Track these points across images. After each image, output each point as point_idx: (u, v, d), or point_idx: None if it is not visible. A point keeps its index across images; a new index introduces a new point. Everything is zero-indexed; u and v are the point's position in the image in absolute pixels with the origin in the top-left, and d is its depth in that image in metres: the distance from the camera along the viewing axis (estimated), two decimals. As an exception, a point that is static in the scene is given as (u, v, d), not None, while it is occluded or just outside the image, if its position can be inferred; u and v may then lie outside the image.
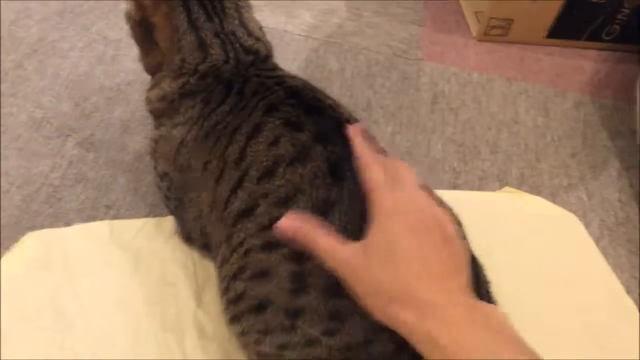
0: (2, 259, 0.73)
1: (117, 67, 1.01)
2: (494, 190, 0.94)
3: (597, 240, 0.88)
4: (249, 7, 0.74)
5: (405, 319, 0.45)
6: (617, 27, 1.22)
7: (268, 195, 0.57)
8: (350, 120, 0.62)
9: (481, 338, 0.43)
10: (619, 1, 1.16)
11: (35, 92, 0.95)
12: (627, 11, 1.18)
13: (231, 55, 0.68)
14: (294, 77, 0.69)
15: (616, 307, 0.80)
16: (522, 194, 0.92)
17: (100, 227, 0.79)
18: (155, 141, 0.73)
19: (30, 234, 0.76)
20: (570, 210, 0.90)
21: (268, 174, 0.58)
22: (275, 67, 0.73)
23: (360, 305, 0.49)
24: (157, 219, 0.81)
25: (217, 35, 0.68)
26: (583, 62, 1.21)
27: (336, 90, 1.06)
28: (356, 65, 1.13)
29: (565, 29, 1.21)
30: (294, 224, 0.52)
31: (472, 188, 0.94)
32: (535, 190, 0.95)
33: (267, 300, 0.55)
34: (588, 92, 1.14)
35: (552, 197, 0.93)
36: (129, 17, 0.72)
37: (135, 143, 0.90)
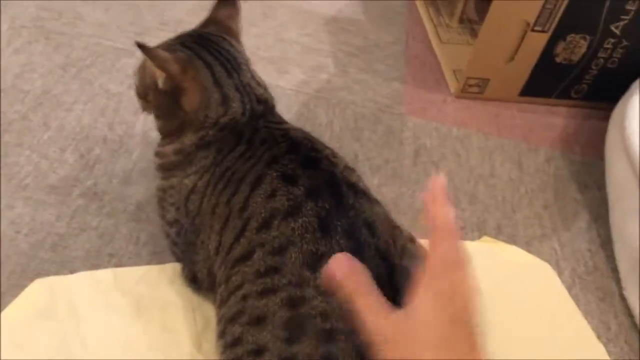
0: (9, 306, 0.77)
1: (119, 120, 1.07)
2: (473, 239, 1.00)
3: (569, 288, 0.94)
4: (250, 62, 0.81)
5: None
6: (585, 86, 1.31)
7: (264, 245, 0.62)
8: (345, 171, 0.68)
9: None
10: (586, 63, 1.26)
11: (41, 143, 1.00)
12: (594, 71, 1.28)
13: (247, 107, 0.74)
14: (296, 129, 0.75)
15: (587, 351, 0.85)
16: (500, 243, 0.98)
17: (104, 275, 0.83)
18: (164, 190, 0.78)
19: (37, 281, 0.80)
20: (544, 259, 0.97)
21: (265, 225, 0.63)
22: (281, 119, 0.79)
23: None
24: (158, 266, 0.85)
25: (237, 89, 0.74)
26: (554, 119, 1.30)
27: (326, 143, 1.12)
28: (344, 119, 1.20)
29: (537, 87, 1.30)
30: (343, 268, 0.51)
31: (452, 237, 1.00)
32: (512, 239, 1.01)
33: (263, 346, 0.58)
34: (558, 148, 1.22)
35: (527, 247, 1.00)
36: (146, 89, 0.77)
37: (137, 193, 0.95)
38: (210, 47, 0.75)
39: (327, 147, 0.72)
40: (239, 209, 0.66)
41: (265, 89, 0.79)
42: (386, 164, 1.11)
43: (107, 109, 1.08)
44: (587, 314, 0.90)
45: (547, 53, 1.23)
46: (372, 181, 1.07)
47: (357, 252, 0.59)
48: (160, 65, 0.71)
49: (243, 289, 0.62)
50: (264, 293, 0.60)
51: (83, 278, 0.83)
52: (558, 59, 1.25)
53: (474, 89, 1.29)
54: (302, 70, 1.30)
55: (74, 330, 0.76)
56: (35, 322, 0.76)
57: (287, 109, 1.18)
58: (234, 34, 0.81)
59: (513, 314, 0.86)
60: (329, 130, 1.16)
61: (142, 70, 0.78)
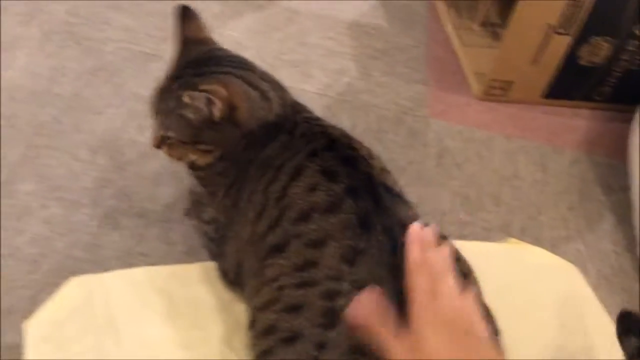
0: (46, 304, 0.79)
1: (149, 123, 1.08)
2: (498, 240, 1.01)
3: (595, 289, 0.94)
4: None
5: None
6: (608, 88, 1.31)
7: (301, 236, 0.63)
8: (382, 173, 0.68)
9: None
10: (609, 65, 1.26)
11: (73, 145, 1.03)
12: (617, 74, 1.28)
13: (280, 94, 0.75)
14: (334, 127, 0.75)
15: (614, 352, 0.85)
16: (525, 245, 0.98)
17: (138, 273, 0.84)
18: (201, 195, 0.80)
19: (73, 279, 0.82)
20: (569, 260, 0.97)
21: (304, 217, 0.64)
22: (319, 117, 0.79)
23: None
24: (189, 265, 0.86)
25: (264, 80, 0.74)
26: (577, 121, 1.30)
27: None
28: (367, 121, 1.21)
29: (560, 90, 1.31)
30: (364, 312, 0.55)
31: (477, 239, 1.01)
32: (537, 241, 1.01)
33: (299, 332, 0.59)
34: (582, 150, 1.22)
35: (552, 248, 1.00)
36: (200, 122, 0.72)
37: (166, 194, 0.97)
38: (218, 61, 0.76)
39: (363, 147, 0.73)
40: (276, 198, 0.67)
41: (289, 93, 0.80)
42: (410, 166, 1.12)
43: (136, 112, 1.11)
44: (612, 315, 0.89)
45: (571, 56, 1.23)
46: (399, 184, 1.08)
47: (394, 250, 0.60)
48: (216, 95, 0.69)
49: (279, 280, 0.63)
50: (301, 285, 0.61)
51: (117, 276, 0.84)
52: (581, 62, 1.25)
53: (498, 91, 1.30)
54: (325, 74, 1.31)
55: (109, 328, 0.78)
56: (71, 319, 0.78)
57: (312, 112, 1.19)
58: (212, 42, 0.81)
59: (539, 315, 0.86)
60: (352, 132, 1.15)
61: (178, 118, 0.74)
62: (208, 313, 0.82)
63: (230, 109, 0.71)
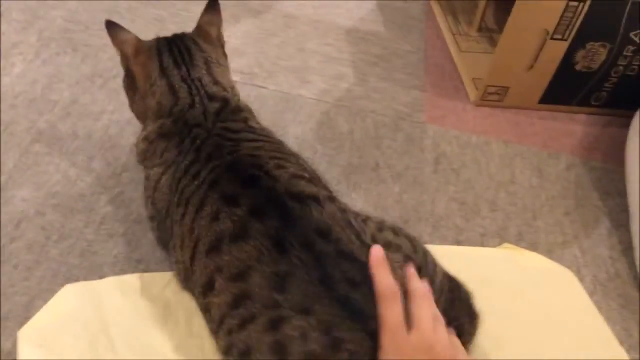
0: (40, 311, 0.79)
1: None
2: (494, 246, 1.01)
3: (591, 295, 0.94)
4: (222, 66, 0.84)
5: None
6: (604, 93, 1.31)
7: (222, 270, 0.62)
8: (290, 181, 0.67)
9: None
10: (605, 70, 1.26)
11: (69, 152, 1.03)
12: (614, 79, 1.28)
13: (197, 99, 0.77)
14: (251, 140, 0.75)
15: (610, 358, 0.85)
16: (521, 250, 0.99)
17: (132, 280, 0.85)
18: (144, 185, 0.83)
19: (68, 286, 0.82)
20: (566, 265, 0.97)
21: (214, 248, 0.64)
22: (245, 124, 0.79)
23: None
24: (184, 272, 0.87)
25: (183, 80, 0.78)
26: (574, 126, 1.30)
27: (346, 151, 1.14)
28: (364, 127, 1.21)
29: (557, 95, 1.31)
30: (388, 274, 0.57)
31: (473, 244, 1.01)
32: (533, 246, 1.02)
33: None
34: (579, 155, 1.22)
35: (549, 253, 1.00)
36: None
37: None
38: (173, 45, 0.81)
39: (274, 158, 0.71)
40: (188, 230, 0.68)
41: (224, 89, 0.81)
42: (406, 172, 1.12)
43: (133, 118, 1.10)
44: (608, 320, 0.90)
45: (567, 61, 1.24)
46: (393, 189, 1.08)
47: (318, 262, 0.59)
48: (118, 44, 0.80)
49: (225, 323, 0.62)
50: (243, 324, 0.60)
51: (111, 283, 0.85)
52: (577, 67, 1.25)
53: (494, 96, 1.30)
54: (322, 80, 1.31)
55: (103, 334, 0.78)
56: (66, 326, 0.78)
57: (308, 118, 1.20)
58: (211, 39, 0.85)
59: (535, 320, 0.87)
60: (349, 138, 1.18)
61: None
62: (203, 321, 0.82)
63: (129, 71, 0.81)
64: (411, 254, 0.68)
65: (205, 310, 0.67)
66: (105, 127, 1.09)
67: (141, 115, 0.84)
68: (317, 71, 1.34)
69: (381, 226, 0.71)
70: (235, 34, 1.37)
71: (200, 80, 0.79)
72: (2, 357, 0.76)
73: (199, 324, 0.81)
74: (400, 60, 1.41)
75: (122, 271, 0.87)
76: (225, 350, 0.63)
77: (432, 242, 0.97)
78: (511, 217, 1.06)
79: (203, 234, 0.65)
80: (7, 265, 0.85)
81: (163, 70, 0.78)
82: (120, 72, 1.20)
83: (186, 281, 0.74)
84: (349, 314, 0.56)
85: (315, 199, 0.66)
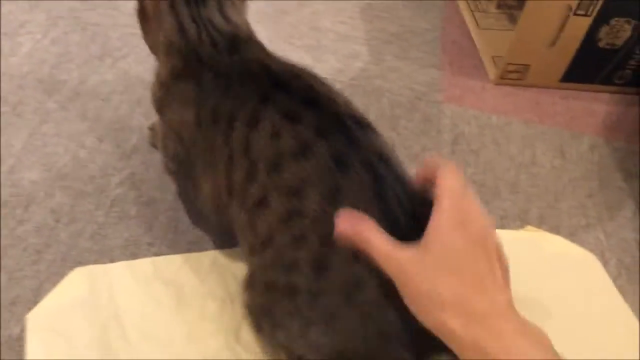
0: (50, 295, 0.77)
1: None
2: (514, 229, 0.98)
3: (615, 279, 0.91)
4: (238, 5, 0.80)
5: (452, 327, 0.48)
6: (628, 71, 1.27)
7: (278, 188, 0.61)
8: (348, 105, 0.66)
9: (532, 352, 0.47)
10: (630, 48, 1.21)
11: (79, 133, 1.01)
12: (638, 56, 1.24)
13: (204, 37, 0.73)
14: (281, 63, 0.72)
15: (634, 344, 0.83)
16: (543, 233, 0.96)
17: (144, 264, 0.83)
18: (161, 131, 0.81)
19: (77, 269, 0.80)
20: (589, 249, 0.94)
21: (275, 168, 0.62)
22: (261, 48, 0.77)
23: (406, 305, 0.52)
24: (196, 254, 0.85)
25: (193, 20, 0.74)
26: (597, 106, 1.26)
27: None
28: (380, 107, 1.18)
29: (579, 73, 1.26)
30: (351, 224, 0.55)
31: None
32: (555, 229, 0.98)
33: (295, 288, 0.60)
34: (602, 135, 1.18)
35: (571, 237, 0.97)
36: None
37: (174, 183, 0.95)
38: None
39: (320, 83, 0.69)
40: (242, 149, 0.65)
41: (237, 26, 0.77)
42: (423, 153, 1.09)
43: (143, 98, 1.09)
44: (633, 305, 0.87)
45: (590, 38, 1.19)
46: (411, 170, 1.05)
47: (377, 183, 0.59)
48: None
49: (274, 239, 0.62)
50: (295, 242, 0.60)
51: (123, 267, 0.83)
52: (601, 44, 1.21)
53: (514, 75, 1.26)
54: (336, 59, 1.28)
55: (114, 318, 0.76)
56: (75, 310, 0.77)
57: (323, 98, 1.17)
58: None
59: (557, 305, 0.84)
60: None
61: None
62: (216, 305, 0.81)
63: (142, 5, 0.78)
64: None
65: (250, 226, 0.65)
66: (115, 108, 1.06)
67: (154, 47, 0.81)
68: (331, 50, 1.30)
69: None
70: (248, 12, 1.33)
71: (210, 20, 0.75)
72: (12, 343, 0.74)
73: (213, 308, 0.80)
74: (416, 38, 1.37)
75: (134, 254, 0.85)
76: (266, 265, 0.64)
77: (451, 225, 0.94)
78: (532, 199, 1.03)
79: (264, 153, 0.63)
80: (15, 248, 0.83)
81: (173, 7, 0.75)
82: (130, 51, 1.19)
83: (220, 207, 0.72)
84: (398, 236, 0.55)
85: (371, 126, 0.66)
